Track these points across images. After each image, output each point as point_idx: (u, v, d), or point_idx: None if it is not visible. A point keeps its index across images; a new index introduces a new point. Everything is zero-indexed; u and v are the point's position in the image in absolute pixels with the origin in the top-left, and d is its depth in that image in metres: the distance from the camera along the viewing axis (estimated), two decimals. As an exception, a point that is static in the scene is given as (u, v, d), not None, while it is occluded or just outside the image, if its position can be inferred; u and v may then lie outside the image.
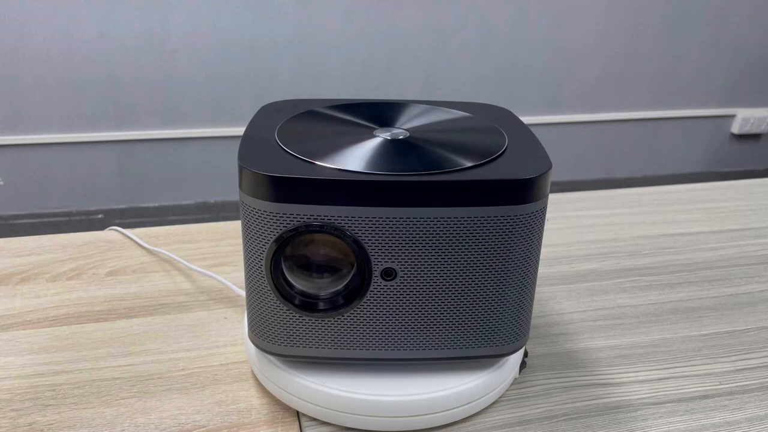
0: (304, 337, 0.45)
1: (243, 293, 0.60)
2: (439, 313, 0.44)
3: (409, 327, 0.45)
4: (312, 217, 0.41)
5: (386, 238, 0.41)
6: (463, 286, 0.43)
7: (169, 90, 2.24)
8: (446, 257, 0.42)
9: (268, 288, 0.44)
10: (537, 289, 0.65)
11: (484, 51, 2.45)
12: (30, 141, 2.21)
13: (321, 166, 0.41)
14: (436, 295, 0.43)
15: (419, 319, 0.44)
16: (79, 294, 0.62)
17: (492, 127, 0.50)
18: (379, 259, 0.42)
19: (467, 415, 0.48)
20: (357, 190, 0.40)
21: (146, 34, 2.14)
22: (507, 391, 0.51)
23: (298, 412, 0.48)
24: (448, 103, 0.55)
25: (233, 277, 0.64)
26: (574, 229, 0.77)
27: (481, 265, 0.42)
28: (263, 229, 0.42)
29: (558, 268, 0.68)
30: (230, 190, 2.42)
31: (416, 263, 0.42)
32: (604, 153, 2.76)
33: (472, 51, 2.44)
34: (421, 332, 0.45)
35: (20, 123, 2.18)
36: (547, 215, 0.79)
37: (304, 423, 0.47)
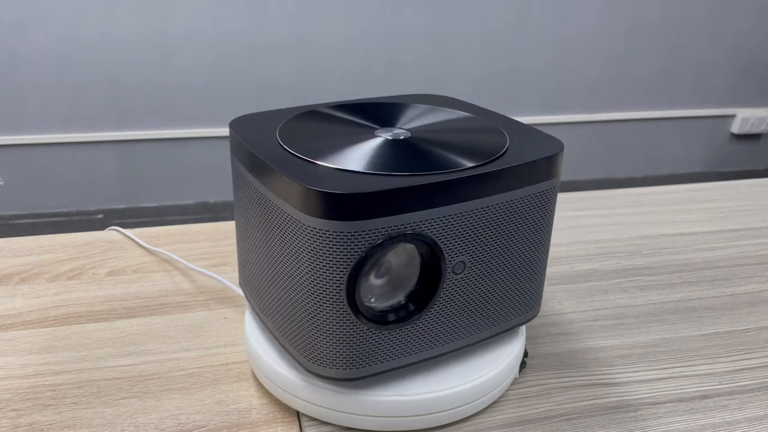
0: (379, 354, 0.43)
1: (243, 293, 0.60)
2: (494, 293, 0.46)
3: (470, 315, 0.46)
4: (392, 229, 0.39)
5: (456, 234, 0.42)
6: (513, 262, 0.46)
7: (169, 90, 2.24)
8: (501, 239, 0.44)
9: (344, 312, 0.41)
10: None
11: (484, 51, 2.45)
12: (30, 141, 2.21)
13: (373, 174, 0.40)
14: (493, 276, 0.45)
15: (478, 304, 0.46)
16: (79, 294, 0.62)
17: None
18: (452, 256, 0.42)
19: (467, 415, 0.48)
20: (432, 192, 0.40)
21: (146, 34, 2.14)
22: (507, 391, 0.51)
23: (298, 412, 0.48)
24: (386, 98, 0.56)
25: (233, 277, 0.64)
26: (574, 229, 0.77)
27: (525, 239, 0.46)
28: (339, 250, 0.39)
29: (558, 268, 0.68)
30: (230, 190, 2.42)
31: (479, 251, 0.44)
32: (604, 153, 2.76)
33: (472, 51, 2.44)
34: (478, 317, 0.46)
35: (20, 123, 2.18)
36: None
37: (304, 423, 0.47)
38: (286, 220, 0.41)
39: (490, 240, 0.44)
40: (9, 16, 2.04)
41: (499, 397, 0.50)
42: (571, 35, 2.51)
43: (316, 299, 0.41)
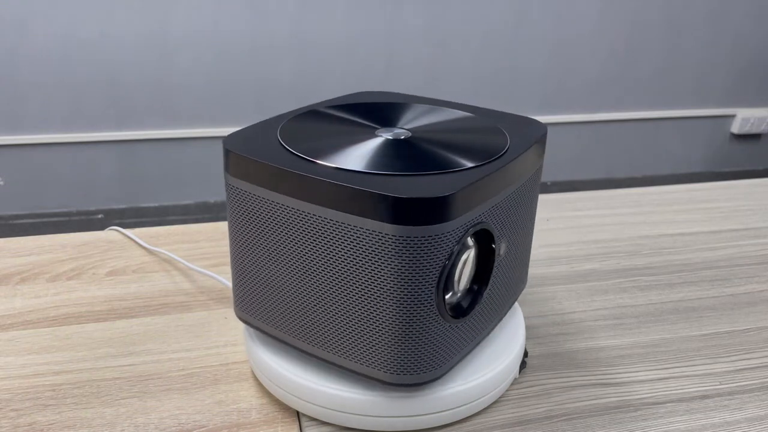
0: (456, 346, 0.44)
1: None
2: (515, 269, 0.50)
3: (501, 293, 0.49)
4: (468, 224, 0.41)
5: (500, 219, 0.45)
6: (524, 238, 0.50)
7: (169, 90, 2.24)
8: (519, 217, 0.48)
9: (435, 314, 0.41)
10: (537, 289, 0.65)
11: (484, 51, 2.45)
12: (30, 141, 2.21)
13: (432, 174, 0.41)
14: (516, 253, 0.49)
15: (507, 282, 0.49)
16: (79, 294, 0.62)
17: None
18: (499, 239, 0.45)
19: (467, 415, 0.48)
20: (489, 184, 0.42)
21: (146, 34, 2.14)
22: (507, 391, 0.51)
23: (298, 412, 0.48)
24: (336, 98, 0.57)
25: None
26: (574, 229, 0.77)
27: (529, 214, 0.50)
28: (430, 254, 0.39)
29: (558, 268, 0.68)
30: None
31: (510, 232, 0.47)
32: (604, 153, 2.76)
33: (472, 51, 2.44)
34: (505, 294, 0.49)
35: (20, 123, 2.18)
36: (548, 215, 0.79)
37: (304, 423, 0.47)
38: (357, 234, 0.39)
39: (514, 220, 0.47)
40: (9, 16, 2.04)
41: (499, 397, 0.50)
42: (571, 35, 2.51)
43: (407, 307, 0.40)
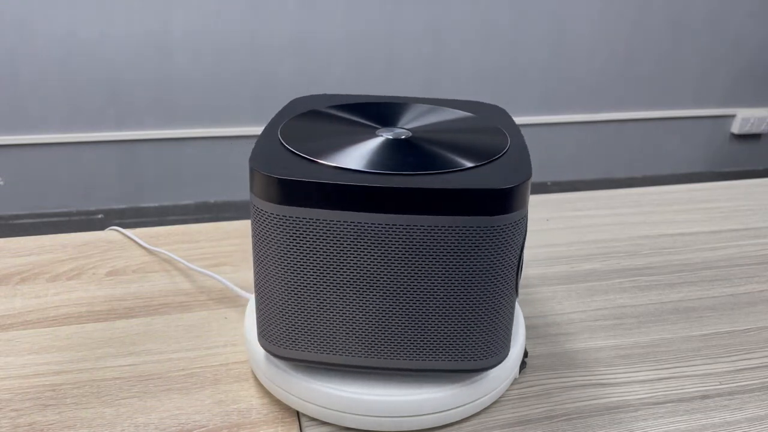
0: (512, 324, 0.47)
1: (243, 293, 0.60)
2: None
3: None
4: (523, 211, 0.43)
5: None
6: None
7: (169, 90, 2.24)
8: None
9: (514, 293, 0.44)
10: (537, 289, 0.65)
11: (484, 51, 2.45)
12: (30, 141, 2.21)
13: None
14: None
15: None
16: (79, 294, 0.62)
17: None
18: None
19: (467, 415, 0.48)
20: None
21: (146, 34, 2.14)
22: (507, 391, 0.51)
23: (298, 412, 0.48)
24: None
25: (233, 277, 0.64)
26: (574, 229, 0.77)
27: None
28: (513, 239, 0.41)
29: (558, 268, 0.68)
30: (230, 190, 2.42)
31: None
32: (604, 153, 2.76)
33: (472, 51, 2.44)
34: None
35: (20, 123, 2.18)
36: (548, 215, 0.79)
37: (304, 423, 0.47)
38: (452, 233, 0.40)
39: None
40: (9, 16, 2.04)
41: (499, 397, 0.50)
42: (571, 35, 2.51)
43: (499, 292, 0.42)
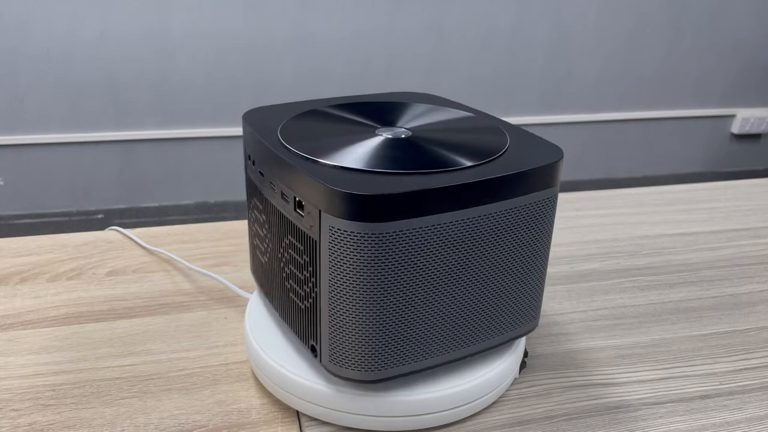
0: None
1: (243, 293, 0.60)
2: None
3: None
4: None
5: None
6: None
7: (169, 90, 2.24)
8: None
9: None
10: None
11: (483, 51, 2.45)
12: (30, 141, 2.21)
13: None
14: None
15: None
16: (79, 294, 0.62)
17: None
18: None
19: (467, 415, 0.48)
20: None
21: (146, 34, 2.14)
22: (507, 391, 0.51)
23: (298, 412, 0.48)
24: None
25: (233, 277, 0.64)
26: (574, 229, 0.77)
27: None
28: (555, 206, 0.46)
29: (558, 268, 0.68)
30: (230, 190, 2.42)
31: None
32: (604, 153, 2.76)
33: (471, 51, 2.44)
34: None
35: (20, 123, 2.18)
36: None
37: (304, 423, 0.47)
38: (523, 210, 0.43)
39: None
40: (9, 16, 2.04)
41: (499, 397, 0.50)
42: (571, 35, 2.51)
43: (547, 258, 0.47)
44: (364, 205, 0.38)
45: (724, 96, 2.79)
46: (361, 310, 0.41)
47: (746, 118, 2.82)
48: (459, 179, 0.40)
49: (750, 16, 2.65)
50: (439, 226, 0.40)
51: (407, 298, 0.41)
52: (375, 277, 0.40)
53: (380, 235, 0.38)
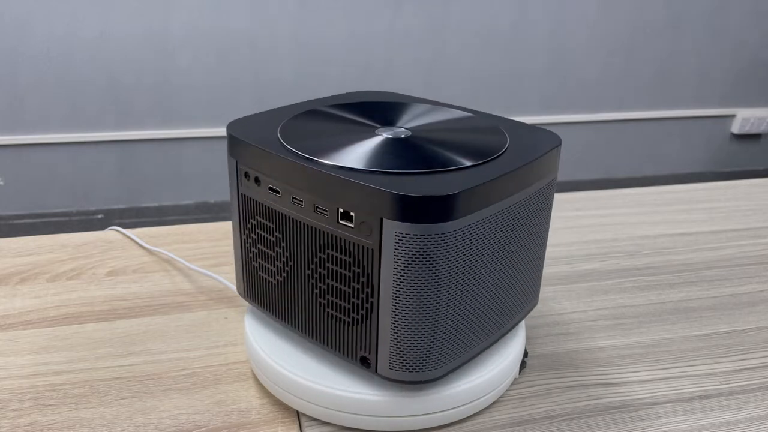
0: None
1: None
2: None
3: None
4: None
5: None
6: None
7: (169, 90, 2.24)
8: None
9: None
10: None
11: (484, 51, 2.45)
12: (30, 141, 2.21)
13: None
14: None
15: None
16: (79, 294, 0.62)
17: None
18: None
19: (467, 415, 0.48)
20: None
21: (146, 34, 2.14)
22: (507, 391, 0.51)
23: (298, 412, 0.48)
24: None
25: (233, 277, 0.64)
26: (574, 229, 0.77)
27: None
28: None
29: (558, 268, 0.68)
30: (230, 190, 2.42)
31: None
32: (604, 153, 2.76)
33: (472, 51, 2.44)
34: None
35: (20, 123, 2.18)
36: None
37: (304, 423, 0.47)
38: (532, 199, 0.46)
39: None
40: (9, 16, 2.04)
41: (499, 397, 0.50)
42: (571, 35, 2.51)
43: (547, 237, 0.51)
44: (432, 206, 0.38)
45: (724, 96, 2.79)
46: (425, 311, 0.41)
47: (746, 118, 2.82)
48: (499, 171, 0.41)
49: (750, 16, 2.65)
50: (481, 221, 0.41)
51: (459, 293, 0.42)
52: (438, 277, 0.40)
53: (443, 235, 0.39)
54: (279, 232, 0.45)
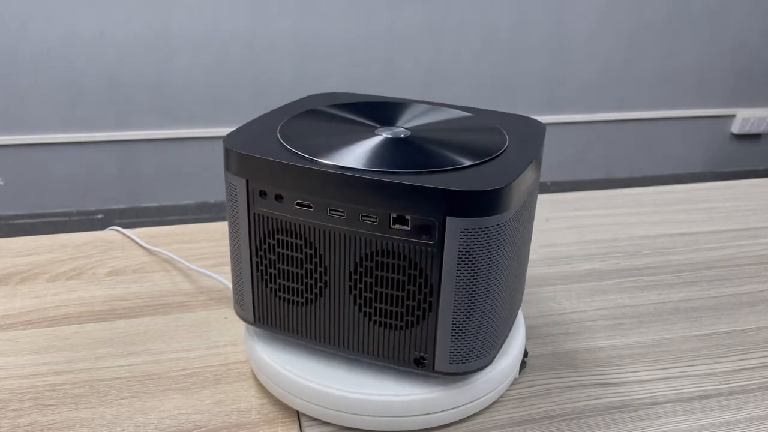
0: None
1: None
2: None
3: None
4: None
5: None
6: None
7: (169, 90, 2.24)
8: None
9: None
10: (537, 289, 0.65)
11: (484, 51, 2.45)
12: (30, 141, 2.21)
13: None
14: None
15: None
16: (79, 294, 0.62)
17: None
18: None
19: (467, 415, 0.48)
20: None
21: (146, 34, 2.14)
22: (507, 391, 0.51)
23: (298, 412, 0.48)
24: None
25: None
26: (574, 229, 0.77)
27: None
28: None
29: (558, 268, 0.68)
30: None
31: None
32: (604, 153, 2.76)
33: (472, 51, 2.44)
34: None
35: (20, 123, 2.18)
36: (547, 215, 0.79)
37: (304, 423, 0.47)
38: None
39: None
40: (9, 16, 2.04)
41: (499, 397, 0.50)
42: (572, 35, 2.51)
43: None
44: (494, 199, 0.39)
45: (724, 96, 2.79)
46: (484, 302, 0.43)
47: (746, 118, 2.82)
48: (526, 160, 0.44)
49: (750, 16, 2.65)
50: (520, 208, 0.43)
51: (505, 280, 0.44)
52: (494, 267, 0.42)
53: (499, 226, 0.40)
54: (309, 248, 0.43)
